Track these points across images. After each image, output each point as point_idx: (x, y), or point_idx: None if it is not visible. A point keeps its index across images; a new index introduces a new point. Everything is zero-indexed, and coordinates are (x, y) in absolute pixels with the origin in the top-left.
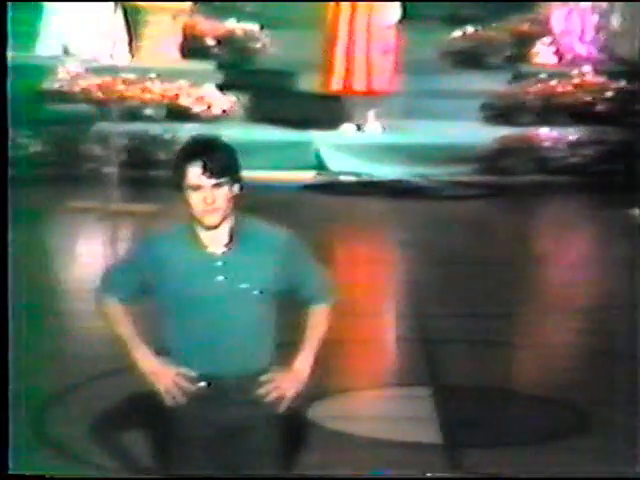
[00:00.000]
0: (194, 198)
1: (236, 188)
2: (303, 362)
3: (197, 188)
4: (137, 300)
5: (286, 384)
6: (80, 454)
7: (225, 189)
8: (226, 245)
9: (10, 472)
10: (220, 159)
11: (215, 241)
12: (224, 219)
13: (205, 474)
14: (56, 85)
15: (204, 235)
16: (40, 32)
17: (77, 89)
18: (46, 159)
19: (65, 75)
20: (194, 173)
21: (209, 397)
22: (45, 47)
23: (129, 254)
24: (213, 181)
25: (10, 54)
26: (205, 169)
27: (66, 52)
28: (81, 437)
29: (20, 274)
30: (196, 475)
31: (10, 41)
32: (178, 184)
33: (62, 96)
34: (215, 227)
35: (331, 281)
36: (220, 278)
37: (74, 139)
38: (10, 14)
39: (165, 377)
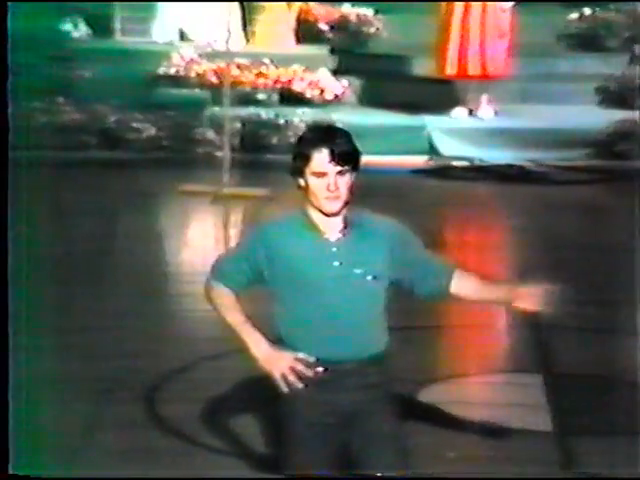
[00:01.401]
0: (317, 184)
1: (354, 176)
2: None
3: (321, 175)
4: (248, 289)
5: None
6: (194, 436)
7: (347, 176)
8: (340, 231)
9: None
10: (345, 146)
11: (330, 227)
12: (344, 206)
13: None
14: (171, 70)
15: (319, 221)
16: (155, 18)
17: (192, 74)
18: (160, 143)
19: (180, 61)
20: (320, 159)
21: (325, 382)
22: (160, 33)
23: (242, 242)
24: (338, 168)
25: (125, 39)
26: (332, 156)
27: (182, 38)
28: (192, 419)
29: (132, 257)
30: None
31: (125, 26)
32: (299, 169)
33: (176, 81)
34: (335, 214)
35: (445, 271)
36: (336, 263)
37: (188, 123)
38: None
39: (280, 363)
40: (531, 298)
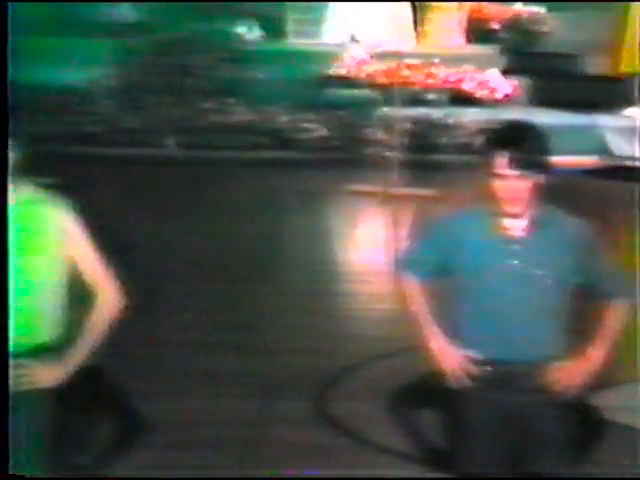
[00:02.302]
0: (497, 185)
1: (540, 177)
2: (596, 354)
3: (501, 177)
4: (434, 279)
5: (576, 373)
6: (365, 434)
7: (529, 180)
8: (524, 229)
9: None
10: (529, 150)
11: (514, 225)
12: (527, 207)
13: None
14: (341, 71)
15: (502, 217)
16: (327, 20)
17: (362, 75)
18: (330, 143)
19: (350, 61)
20: (500, 162)
21: (494, 382)
22: (331, 34)
23: (428, 234)
24: (518, 173)
25: (296, 41)
26: (512, 160)
27: (352, 39)
28: (363, 417)
29: (303, 256)
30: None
31: (297, 29)
32: (483, 167)
33: (347, 82)
34: (515, 216)
35: (626, 276)
36: (515, 262)
37: (357, 124)
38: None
39: (452, 359)
40: None
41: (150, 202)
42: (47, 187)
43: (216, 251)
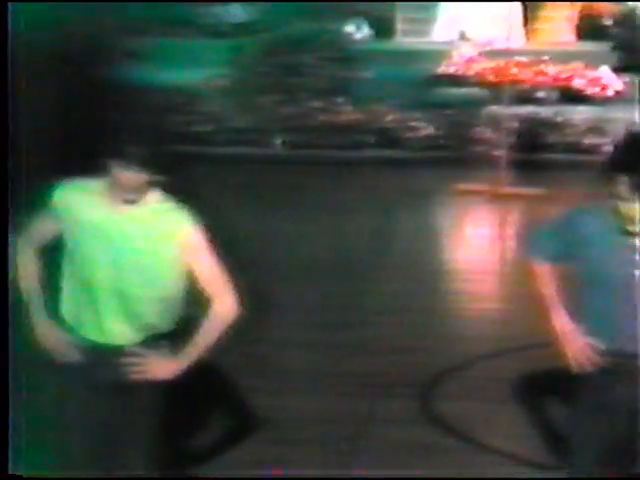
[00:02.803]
0: (620, 207)
1: None
2: None
3: (624, 200)
4: (558, 264)
5: None
6: (469, 434)
7: None
8: None
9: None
10: None
11: (636, 220)
12: None
13: None
14: (450, 70)
15: (627, 214)
16: (436, 18)
17: (470, 73)
18: (437, 142)
19: (459, 59)
20: (622, 187)
21: (615, 373)
22: (440, 33)
23: (555, 222)
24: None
25: (405, 40)
26: (635, 185)
27: (462, 37)
28: (467, 417)
29: (409, 255)
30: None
31: (406, 27)
32: (606, 188)
33: (455, 80)
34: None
35: None
36: (637, 257)
37: (465, 122)
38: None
39: (576, 342)
40: None
41: (257, 201)
42: (171, 195)
43: (323, 250)
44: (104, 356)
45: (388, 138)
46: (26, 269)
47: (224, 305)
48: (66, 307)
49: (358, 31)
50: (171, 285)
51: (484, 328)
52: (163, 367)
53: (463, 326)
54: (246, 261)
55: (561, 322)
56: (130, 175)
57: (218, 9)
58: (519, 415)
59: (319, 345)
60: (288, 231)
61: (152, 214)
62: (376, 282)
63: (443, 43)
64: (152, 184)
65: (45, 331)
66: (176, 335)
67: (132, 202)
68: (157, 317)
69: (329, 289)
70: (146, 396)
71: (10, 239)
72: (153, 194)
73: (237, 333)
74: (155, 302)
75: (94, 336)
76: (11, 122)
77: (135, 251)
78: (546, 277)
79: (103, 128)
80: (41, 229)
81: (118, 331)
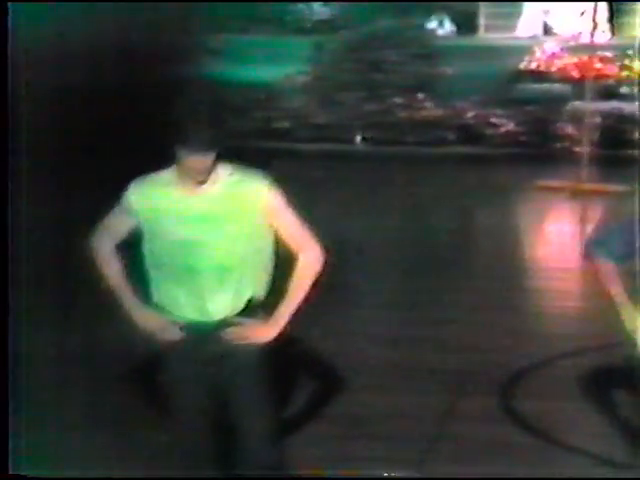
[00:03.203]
0: None
1: None
2: None
3: None
4: (626, 261)
5: None
6: (549, 433)
7: None
8: None
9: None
10: None
11: None
12: None
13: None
14: (532, 65)
15: None
16: (521, 13)
17: (553, 69)
18: (518, 138)
19: (542, 55)
20: None
21: None
22: (524, 28)
23: (621, 221)
24: None
25: (488, 36)
26: None
27: (546, 32)
28: (548, 416)
29: (488, 252)
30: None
31: (489, 23)
32: None
33: (538, 76)
34: None
35: None
36: None
37: (547, 118)
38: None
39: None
40: None
41: (338, 197)
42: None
43: (403, 247)
44: (206, 333)
45: (469, 134)
46: (110, 267)
47: (310, 256)
48: (159, 294)
49: (441, 27)
50: (261, 250)
51: (565, 326)
52: (262, 331)
53: (544, 324)
54: (327, 257)
55: (629, 315)
56: (197, 159)
57: (301, 6)
58: (599, 414)
59: (399, 341)
60: (369, 227)
61: (227, 188)
62: (456, 279)
63: (526, 38)
64: (220, 161)
65: (144, 318)
66: (268, 300)
67: (204, 182)
68: (252, 286)
69: (409, 285)
70: (248, 359)
71: (11, 239)
72: (223, 169)
73: (318, 328)
74: (249, 271)
75: (194, 316)
76: (11, 122)
77: (221, 226)
78: (613, 275)
79: (169, 120)
80: (118, 226)
81: (218, 307)
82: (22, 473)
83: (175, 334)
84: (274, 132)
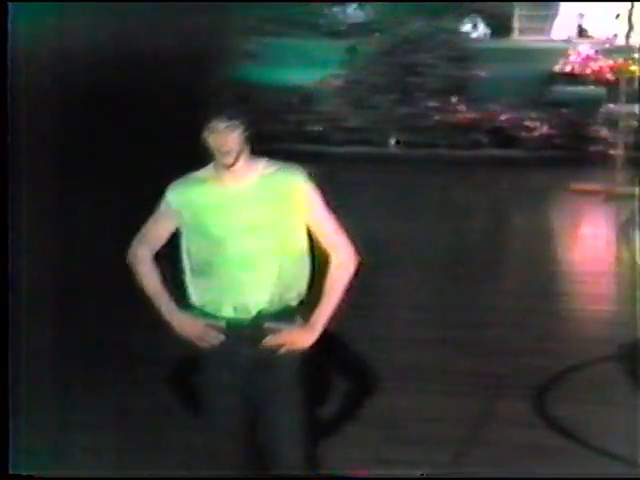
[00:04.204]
0: None
1: None
2: None
3: None
4: None
5: None
6: (585, 437)
7: None
8: None
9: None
10: None
11: None
12: None
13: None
14: (566, 68)
15: None
16: (555, 15)
17: (588, 71)
18: (552, 141)
19: (576, 57)
20: None
21: None
22: (559, 30)
23: None
24: None
25: (522, 38)
26: None
27: (580, 34)
28: (582, 420)
29: (522, 255)
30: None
31: (523, 25)
32: None
33: (572, 78)
34: None
35: None
36: None
37: (581, 121)
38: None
39: None
40: None
41: (372, 200)
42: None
43: (437, 249)
44: (244, 332)
45: (503, 137)
46: (150, 277)
47: (343, 256)
48: (197, 294)
49: (475, 30)
50: (296, 245)
51: (599, 329)
52: (300, 337)
53: (578, 327)
54: (362, 260)
55: None
56: (220, 136)
57: (335, 9)
58: (634, 418)
59: (433, 344)
60: (403, 230)
61: (264, 179)
62: (490, 282)
63: (560, 41)
64: (256, 154)
65: (183, 323)
66: (305, 304)
67: (234, 165)
68: (288, 281)
69: (444, 288)
70: (287, 370)
71: (11, 239)
72: (259, 162)
73: (350, 331)
74: (284, 265)
75: (232, 313)
76: (11, 122)
77: (258, 220)
78: None
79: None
80: (158, 232)
81: (254, 301)
82: (22, 473)
83: (214, 339)
84: (308, 135)
